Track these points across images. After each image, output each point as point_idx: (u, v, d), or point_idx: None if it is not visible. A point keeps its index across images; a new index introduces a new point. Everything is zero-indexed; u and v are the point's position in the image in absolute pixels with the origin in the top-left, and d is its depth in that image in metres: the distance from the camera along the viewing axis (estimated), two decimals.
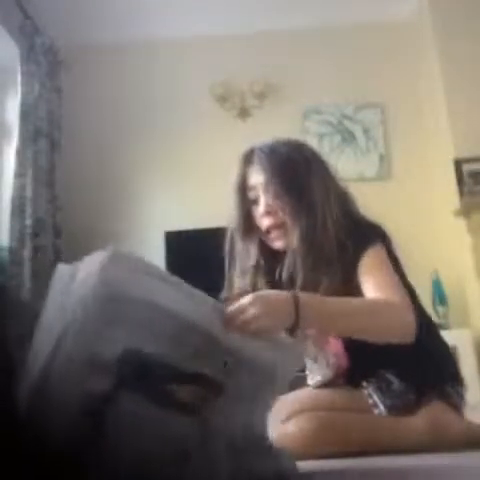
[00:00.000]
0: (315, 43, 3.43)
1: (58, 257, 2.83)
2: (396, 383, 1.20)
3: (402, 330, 1.01)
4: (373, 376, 1.22)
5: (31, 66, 2.82)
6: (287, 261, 1.16)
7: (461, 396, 1.24)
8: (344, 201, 1.23)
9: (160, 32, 3.36)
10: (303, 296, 0.91)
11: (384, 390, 1.21)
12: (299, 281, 1.12)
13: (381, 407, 1.20)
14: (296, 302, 0.88)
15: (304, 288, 1.08)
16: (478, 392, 2.55)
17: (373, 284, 1.06)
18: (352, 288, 1.09)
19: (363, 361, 1.21)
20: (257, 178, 1.22)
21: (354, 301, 1.03)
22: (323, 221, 1.13)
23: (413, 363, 1.20)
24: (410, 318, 1.00)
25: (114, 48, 3.41)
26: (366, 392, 1.22)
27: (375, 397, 1.21)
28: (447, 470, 0.96)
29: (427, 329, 1.23)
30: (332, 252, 1.11)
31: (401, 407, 1.20)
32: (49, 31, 3.06)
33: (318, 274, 1.11)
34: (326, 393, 1.26)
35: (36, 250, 2.64)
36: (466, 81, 2.99)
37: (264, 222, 1.21)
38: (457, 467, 0.99)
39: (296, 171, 1.18)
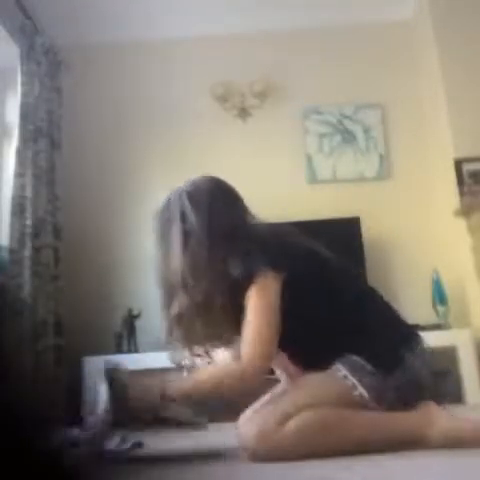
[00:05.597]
0: (315, 43, 3.43)
1: (58, 257, 2.83)
2: (364, 363, 1.25)
3: (241, 387, 1.30)
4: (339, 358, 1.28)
5: (31, 66, 2.82)
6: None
7: (418, 353, 1.30)
8: (228, 231, 1.38)
9: (160, 32, 3.36)
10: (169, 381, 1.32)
11: (357, 369, 1.25)
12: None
13: (360, 388, 1.23)
14: (162, 386, 1.30)
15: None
16: (478, 392, 2.55)
17: (246, 326, 1.29)
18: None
19: (321, 348, 1.30)
20: None
21: (203, 377, 1.33)
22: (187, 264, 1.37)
23: (367, 341, 1.28)
24: (247, 376, 1.26)
25: (114, 48, 3.41)
26: (341, 374, 1.25)
27: (351, 377, 1.24)
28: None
29: (371, 305, 1.37)
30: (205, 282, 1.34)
31: (376, 387, 1.23)
32: (49, 31, 3.06)
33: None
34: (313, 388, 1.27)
35: (36, 250, 2.64)
36: (466, 81, 2.98)
37: None
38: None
39: (168, 221, 1.45)
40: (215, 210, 1.42)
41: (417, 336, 1.36)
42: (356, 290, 1.40)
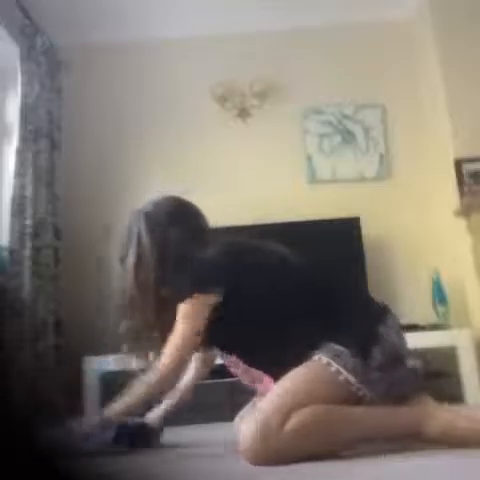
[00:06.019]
0: (315, 43, 3.42)
1: (58, 257, 2.83)
2: (343, 349, 1.27)
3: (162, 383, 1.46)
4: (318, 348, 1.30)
5: (31, 66, 2.82)
6: None
7: (392, 327, 1.34)
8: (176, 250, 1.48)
9: (160, 32, 3.36)
10: None
11: (338, 354, 1.26)
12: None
13: (345, 373, 1.24)
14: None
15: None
16: (478, 392, 2.56)
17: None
18: None
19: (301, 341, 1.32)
20: None
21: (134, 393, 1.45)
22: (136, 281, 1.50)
23: (341, 328, 1.31)
24: (159, 377, 1.42)
25: (114, 48, 3.41)
26: (323, 362, 1.26)
27: (334, 363, 1.25)
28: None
29: (340, 295, 1.41)
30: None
31: (360, 369, 1.24)
32: (49, 31, 3.06)
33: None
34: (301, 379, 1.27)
35: (36, 250, 2.64)
36: (466, 81, 2.99)
37: None
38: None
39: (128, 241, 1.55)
40: (169, 236, 1.49)
41: (388, 311, 1.39)
42: (322, 285, 1.43)
